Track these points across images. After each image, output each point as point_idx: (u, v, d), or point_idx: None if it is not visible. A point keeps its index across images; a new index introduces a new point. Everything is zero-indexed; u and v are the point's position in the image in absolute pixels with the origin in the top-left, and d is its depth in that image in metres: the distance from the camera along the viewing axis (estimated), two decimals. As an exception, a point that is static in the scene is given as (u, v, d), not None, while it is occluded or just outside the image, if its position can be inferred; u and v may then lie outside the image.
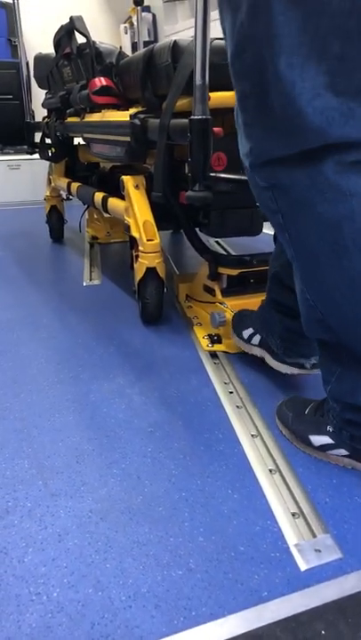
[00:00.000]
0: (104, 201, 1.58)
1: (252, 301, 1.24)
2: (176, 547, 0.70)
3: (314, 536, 0.72)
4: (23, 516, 0.76)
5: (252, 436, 0.94)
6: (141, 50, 1.42)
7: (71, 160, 2.19)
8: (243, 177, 1.03)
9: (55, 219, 2.37)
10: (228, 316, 1.26)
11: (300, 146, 0.66)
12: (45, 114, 2.22)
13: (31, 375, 1.17)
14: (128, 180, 1.38)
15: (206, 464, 0.87)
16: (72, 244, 2.37)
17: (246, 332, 1.17)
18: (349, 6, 0.58)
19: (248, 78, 0.68)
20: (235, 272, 1.33)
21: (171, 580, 0.66)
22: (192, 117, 1.02)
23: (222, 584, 0.65)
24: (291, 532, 0.73)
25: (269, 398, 1.06)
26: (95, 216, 2.36)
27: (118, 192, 1.46)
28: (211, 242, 2.13)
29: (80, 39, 1.66)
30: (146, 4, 3.20)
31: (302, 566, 0.68)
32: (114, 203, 1.53)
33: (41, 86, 2.26)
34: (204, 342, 1.31)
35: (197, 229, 1.40)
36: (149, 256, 1.31)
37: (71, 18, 1.66)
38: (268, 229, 1.39)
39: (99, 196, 1.63)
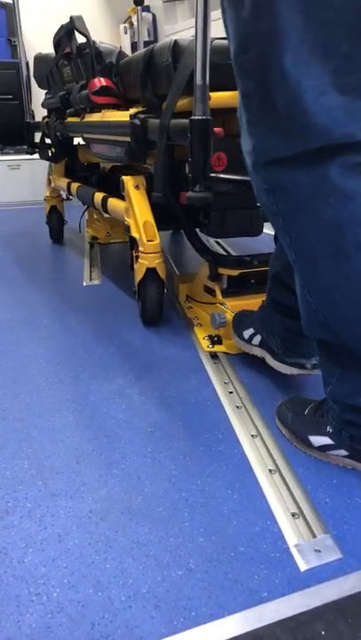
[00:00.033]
0: (104, 201, 1.58)
1: (253, 302, 1.24)
2: (176, 547, 0.70)
3: (314, 536, 0.72)
4: (23, 516, 0.76)
5: (252, 436, 0.94)
6: (141, 50, 1.42)
7: (71, 160, 2.19)
8: (243, 177, 1.02)
9: (55, 219, 2.37)
10: (229, 316, 1.25)
11: (304, 145, 0.66)
12: (45, 114, 2.22)
13: (31, 375, 1.17)
14: (128, 181, 1.38)
15: (206, 464, 0.87)
16: (72, 245, 2.37)
17: (247, 333, 1.16)
18: (355, 2, 0.57)
19: (252, 76, 0.67)
20: (235, 272, 1.32)
21: (171, 581, 0.66)
22: (193, 117, 1.02)
23: (222, 584, 0.65)
24: (291, 533, 0.73)
25: (269, 398, 1.06)
26: (95, 216, 2.36)
27: (118, 192, 1.46)
28: (211, 242, 2.13)
29: (80, 39, 1.66)
30: (146, 3, 3.20)
31: (302, 566, 0.68)
32: (114, 203, 1.52)
33: (41, 86, 2.26)
34: (205, 343, 1.31)
35: (198, 230, 1.39)
36: (150, 256, 1.31)
37: (71, 17, 1.66)
38: (268, 229, 1.39)
39: (99, 196, 1.63)
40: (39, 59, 2.20)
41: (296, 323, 0.89)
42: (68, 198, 2.25)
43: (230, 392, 1.09)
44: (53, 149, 2.15)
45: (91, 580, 0.66)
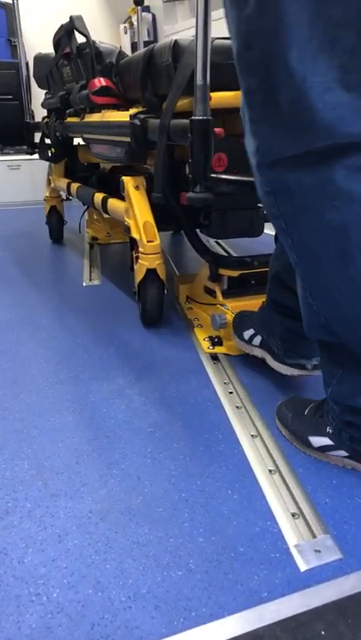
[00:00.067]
0: (104, 202, 1.58)
1: (254, 303, 1.23)
2: (176, 547, 0.70)
3: (314, 536, 0.72)
4: (23, 516, 0.76)
5: (252, 436, 0.94)
6: (141, 49, 1.42)
7: (71, 160, 2.18)
8: (244, 178, 1.02)
9: (55, 219, 2.37)
10: (229, 317, 1.25)
11: (308, 144, 0.64)
12: (45, 114, 2.22)
13: (31, 375, 1.17)
14: (128, 181, 1.38)
15: (206, 464, 0.87)
16: (72, 245, 2.37)
17: (247, 333, 1.16)
18: None
19: (255, 73, 0.66)
20: (236, 273, 1.32)
21: (171, 581, 0.66)
22: (193, 118, 1.01)
23: (222, 585, 0.65)
24: (291, 533, 0.73)
25: (269, 399, 1.06)
26: (95, 217, 2.36)
27: (118, 193, 1.46)
28: (211, 243, 2.12)
29: (80, 39, 1.66)
30: (146, 4, 3.21)
31: (302, 567, 0.68)
32: (114, 204, 1.52)
33: (40, 86, 2.26)
34: (205, 344, 1.30)
35: (198, 230, 1.39)
36: (150, 257, 1.31)
37: (71, 17, 1.66)
38: (268, 230, 1.39)
39: (98, 196, 1.63)
40: (39, 59, 2.20)
41: (296, 323, 0.89)
42: (67, 198, 2.25)
43: (230, 392, 1.09)
44: (53, 150, 2.15)
45: (91, 580, 0.66)
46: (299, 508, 0.77)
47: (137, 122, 1.27)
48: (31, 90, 2.71)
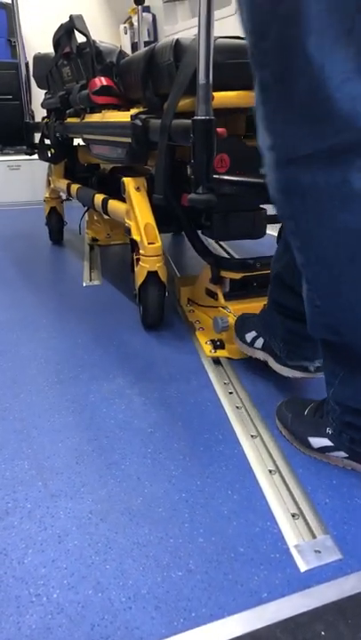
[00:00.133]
0: (104, 203, 1.57)
1: (256, 305, 1.22)
2: (176, 548, 0.70)
3: (314, 537, 0.72)
4: (23, 517, 0.76)
5: (252, 436, 0.94)
6: (142, 49, 1.41)
7: (71, 161, 2.18)
8: (247, 179, 1.01)
9: (55, 220, 2.36)
10: (232, 320, 1.23)
11: (325, 138, 0.63)
12: (45, 114, 2.22)
13: (31, 375, 1.17)
14: (129, 182, 1.37)
15: (206, 465, 0.87)
16: (72, 246, 2.37)
17: (249, 336, 1.15)
18: None
19: (270, 64, 0.64)
20: (238, 276, 1.30)
21: (171, 582, 0.66)
22: (195, 118, 1.00)
23: (222, 585, 0.65)
24: (291, 533, 0.73)
25: (269, 399, 1.06)
26: (95, 218, 2.35)
27: (119, 194, 1.45)
28: (211, 243, 2.12)
29: (80, 38, 1.65)
30: (146, 4, 3.20)
31: (302, 567, 0.68)
32: (114, 205, 1.51)
33: (40, 86, 2.26)
34: (207, 348, 1.29)
35: (199, 232, 1.38)
36: (151, 260, 1.29)
37: (71, 17, 1.65)
38: (271, 231, 1.39)
39: (99, 197, 1.62)
40: (38, 58, 2.20)
41: (299, 325, 0.88)
42: (67, 198, 2.24)
43: (230, 393, 1.09)
44: (53, 150, 2.14)
45: (91, 580, 0.66)
46: (299, 508, 0.77)
47: (138, 122, 1.26)
48: (31, 90, 2.71)
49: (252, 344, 1.15)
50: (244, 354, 1.19)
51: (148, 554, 0.70)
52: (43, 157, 2.21)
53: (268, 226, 1.36)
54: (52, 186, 2.26)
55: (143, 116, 1.27)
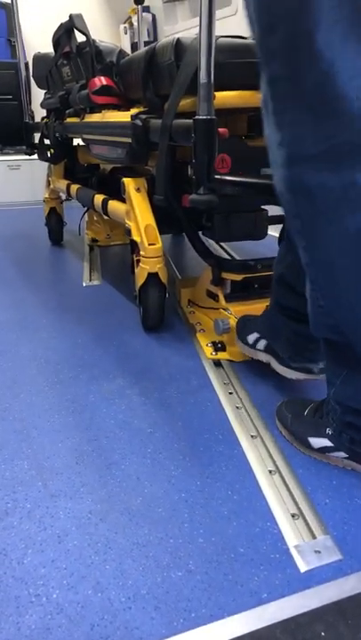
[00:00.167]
0: (104, 204, 1.56)
1: (257, 307, 1.21)
2: (176, 548, 0.70)
3: (314, 537, 0.72)
4: (23, 517, 0.76)
5: (252, 436, 0.94)
6: (143, 48, 1.41)
7: (70, 161, 2.17)
8: (248, 180, 1.00)
9: (54, 221, 2.36)
10: (233, 322, 1.22)
11: (334, 134, 0.62)
12: (44, 114, 2.22)
13: (31, 375, 1.17)
14: (129, 183, 1.36)
15: (206, 465, 0.87)
16: (72, 247, 2.37)
17: (251, 337, 1.13)
18: None
19: (279, 58, 0.63)
20: (239, 277, 1.29)
21: (170, 582, 0.65)
22: (197, 117, 1.00)
23: (222, 585, 0.65)
24: (291, 534, 0.73)
25: (269, 399, 1.06)
26: (95, 218, 2.35)
27: (119, 194, 1.44)
28: (212, 244, 2.12)
29: (80, 38, 1.65)
30: (146, 4, 3.20)
31: (302, 567, 0.67)
32: (114, 206, 1.50)
33: (40, 86, 2.26)
34: (208, 350, 1.28)
35: (200, 233, 1.37)
36: (151, 261, 1.28)
37: (70, 16, 1.65)
38: (272, 232, 1.39)
39: (99, 198, 1.61)
40: (38, 58, 2.19)
41: (302, 326, 0.87)
42: (67, 199, 2.24)
43: (230, 393, 1.09)
44: (52, 150, 2.14)
45: (90, 581, 0.66)
46: (299, 508, 0.77)
47: (138, 122, 1.26)
48: (31, 90, 2.70)
49: (254, 346, 1.13)
50: (246, 356, 1.18)
51: (147, 554, 0.70)
52: (42, 157, 2.21)
53: (270, 227, 1.35)
54: (51, 186, 2.25)
55: (143, 116, 1.27)
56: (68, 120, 1.89)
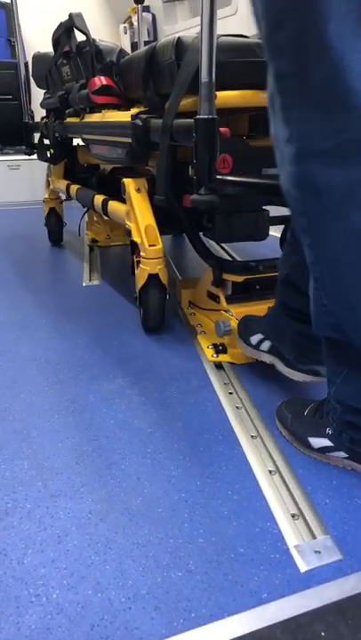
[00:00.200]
0: (104, 204, 1.56)
1: (259, 308, 1.21)
2: (176, 548, 0.70)
3: (314, 537, 0.72)
4: (22, 517, 0.76)
5: (252, 436, 0.94)
6: (143, 47, 1.40)
7: (70, 162, 2.17)
8: (250, 180, 1.00)
9: (54, 221, 2.35)
10: (234, 324, 1.21)
11: (343, 130, 0.61)
12: (44, 114, 2.22)
13: (31, 375, 1.17)
14: (129, 183, 1.35)
15: (206, 465, 0.87)
16: (71, 247, 2.37)
17: (255, 338, 1.12)
18: None
19: (287, 54, 0.62)
20: (240, 278, 1.28)
21: (170, 582, 0.65)
22: (198, 117, 0.99)
23: (222, 585, 0.65)
24: (291, 534, 0.73)
25: (269, 399, 1.06)
26: (95, 218, 2.35)
27: (119, 195, 1.43)
28: (213, 245, 2.12)
29: (79, 37, 1.65)
30: (146, 3, 3.20)
31: (302, 567, 0.67)
32: (114, 206, 1.50)
33: (39, 86, 2.26)
34: (209, 352, 1.28)
35: (201, 234, 1.36)
36: (151, 262, 1.27)
37: (70, 15, 1.64)
38: (274, 232, 1.39)
39: (99, 198, 1.61)
40: (38, 58, 2.19)
41: (308, 327, 0.87)
42: (67, 199, 2.24)
43: (230, 393, 1.09)
44: (52, 150, 2.14)
45: (90, 581, 0.66)
46: (299, 508, 0.77)
47: (138, 122, 1.25)
48: (30, 90, 2.70)
49: (257, 347, 1.11)
50: (247, 359, 1.17)
51: (147, 554, 0.70)
52: (42, 158, 2.20)
53: (271, 227, 1.35)
54: (51, 186, 2.25)
55: (144, 116, 1.26)
56: (68, 120, 1.88)
